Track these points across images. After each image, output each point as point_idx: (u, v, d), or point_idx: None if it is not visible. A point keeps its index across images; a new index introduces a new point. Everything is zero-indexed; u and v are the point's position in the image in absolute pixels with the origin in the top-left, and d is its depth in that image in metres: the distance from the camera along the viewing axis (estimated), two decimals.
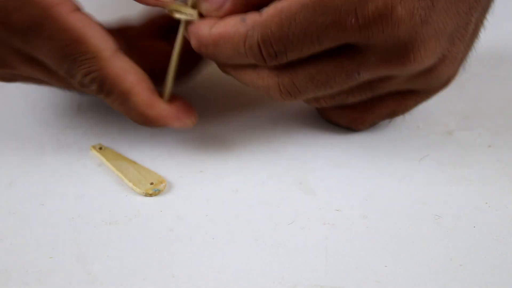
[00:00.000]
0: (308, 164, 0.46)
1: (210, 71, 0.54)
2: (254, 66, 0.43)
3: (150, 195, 0.43)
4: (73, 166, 0.46)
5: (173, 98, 0.44)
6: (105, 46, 0.42)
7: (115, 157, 0.46)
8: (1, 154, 0.47)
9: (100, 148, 0.47)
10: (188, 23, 0.43)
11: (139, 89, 0.43)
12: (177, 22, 0.44)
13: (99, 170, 0.45)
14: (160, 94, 0.44)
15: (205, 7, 0.43)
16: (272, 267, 0.38)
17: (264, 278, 0.37)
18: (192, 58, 0.47)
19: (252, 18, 0.41)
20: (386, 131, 0.48)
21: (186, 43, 0.44)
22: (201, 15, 0.43)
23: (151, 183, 0.44)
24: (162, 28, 0.49)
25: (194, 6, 0.43)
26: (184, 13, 0.43)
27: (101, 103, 0.51)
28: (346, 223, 0.41)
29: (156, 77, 0.44)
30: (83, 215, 0.42)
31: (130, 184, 0.44)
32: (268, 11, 0.40)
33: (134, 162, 0.46)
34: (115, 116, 0.50)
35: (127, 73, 0.43)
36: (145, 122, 0.44)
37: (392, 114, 0.47)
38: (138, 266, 0.38)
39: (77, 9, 0.42)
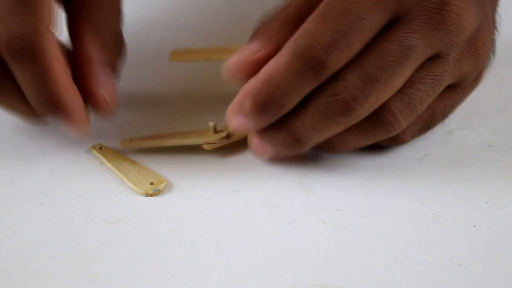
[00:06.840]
0: (308, 164, 0.46)
1: (210, 71, 0.54)
2: None
3: (150, 195, 0.43)
4: (73, 166, 0.46)
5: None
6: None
7: (115, 157, 0.46)
8: (2, 153, 0.47)
9: (100, 148, 0.47)
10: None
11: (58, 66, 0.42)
12: None
13: (99, 170, 0.45)
14: None
15: (232, 126, 0.44)
16: (272, 267, 0.38)
17: (264, 277, 0.37)
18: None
19: None
20: None
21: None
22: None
23: (151, 183, 0.44)
24: None
25: (215, 131, 0.47)
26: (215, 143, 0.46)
27: None
28: (346, 222, 0.41)
29: None
30: (83, 214, 0.42)
31: (130, 184, 0.44)
32: None
33: (134, 162, 0.46)
34: (115, 116, 0.50)
35: (54, 47, 0.42)
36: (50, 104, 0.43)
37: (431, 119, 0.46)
38: (138, 266, 0.38)
39: None
